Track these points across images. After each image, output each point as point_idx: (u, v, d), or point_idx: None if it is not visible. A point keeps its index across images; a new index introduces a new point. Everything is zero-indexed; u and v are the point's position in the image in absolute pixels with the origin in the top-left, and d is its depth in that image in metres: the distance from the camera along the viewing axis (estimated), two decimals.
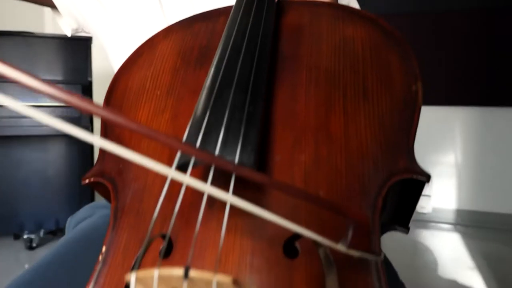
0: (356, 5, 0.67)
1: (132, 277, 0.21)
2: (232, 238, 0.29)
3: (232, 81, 0.33)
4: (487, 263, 1.80)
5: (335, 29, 0.41)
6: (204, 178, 0.33)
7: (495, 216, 2.31)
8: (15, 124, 1.75)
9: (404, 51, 0.39)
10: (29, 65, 1.86)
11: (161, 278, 0.20)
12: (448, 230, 2.30)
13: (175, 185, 0.33)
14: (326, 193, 0.32)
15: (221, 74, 0.34)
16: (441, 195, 2.43)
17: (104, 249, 0.32)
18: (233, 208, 0.28)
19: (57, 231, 1.93)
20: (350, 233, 0.25)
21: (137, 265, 0.30)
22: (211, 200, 0.31)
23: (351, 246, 0.25)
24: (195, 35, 0.44)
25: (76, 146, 1.96)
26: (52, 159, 1.96)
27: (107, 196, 0.39)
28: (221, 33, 0.42)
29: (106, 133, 0.40)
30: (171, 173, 0.21)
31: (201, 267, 0.27)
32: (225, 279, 0.20)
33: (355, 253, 0.25)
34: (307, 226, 0.27)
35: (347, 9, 0.46)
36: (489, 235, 2.20)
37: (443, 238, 2.21)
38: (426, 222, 2.38)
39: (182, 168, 0.30)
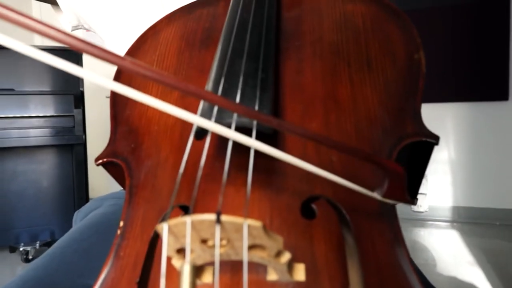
0: None
1: (165, 226, 0.21)
2: (251, 203, 0.30)
3: (243, 51, 0.34)
4: (486, 258, 1.81)
5: (334, 6, 0.43)
6: (220, 147, 0.34)
7: (492, 211, 2.31)
8: (3, 136, 1.73)
9: (403, 22, 0.40)
10: (19, 77, 1.85)
11: (193, 225, 0.21)
12: (445, 227, 2.31)
13: (191, 157, 0.33)
14: (338, 157, 0.33)
15: (231, 46, 0.35)
16: (437, 193, 2.43)
17: (122, 223, 0.33)
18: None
19: (53, 243, 1.88)
20: (386, 183, 0.26)
21: (157, 235, 0.30)
22: (229, 168, 0.31)
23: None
24: (197, 19, 0.45)
25: (70, 155, 1.95)
26: (46, 170, 1.94)
27: (119, 177, 0.39)
28: (223, 16, 0.43)
29: (114, 99, 0.41)
30: (196, 119, 0.22)
31: None
32: (256, 223, 0.21)
33: (389, 201, 0.26)
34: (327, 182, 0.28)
35: None
36: (486, 231, 2.20)
37: (441, 235, 2.21)
38: (423, 221, 2.38)
39: (199, 134, 0.31)
